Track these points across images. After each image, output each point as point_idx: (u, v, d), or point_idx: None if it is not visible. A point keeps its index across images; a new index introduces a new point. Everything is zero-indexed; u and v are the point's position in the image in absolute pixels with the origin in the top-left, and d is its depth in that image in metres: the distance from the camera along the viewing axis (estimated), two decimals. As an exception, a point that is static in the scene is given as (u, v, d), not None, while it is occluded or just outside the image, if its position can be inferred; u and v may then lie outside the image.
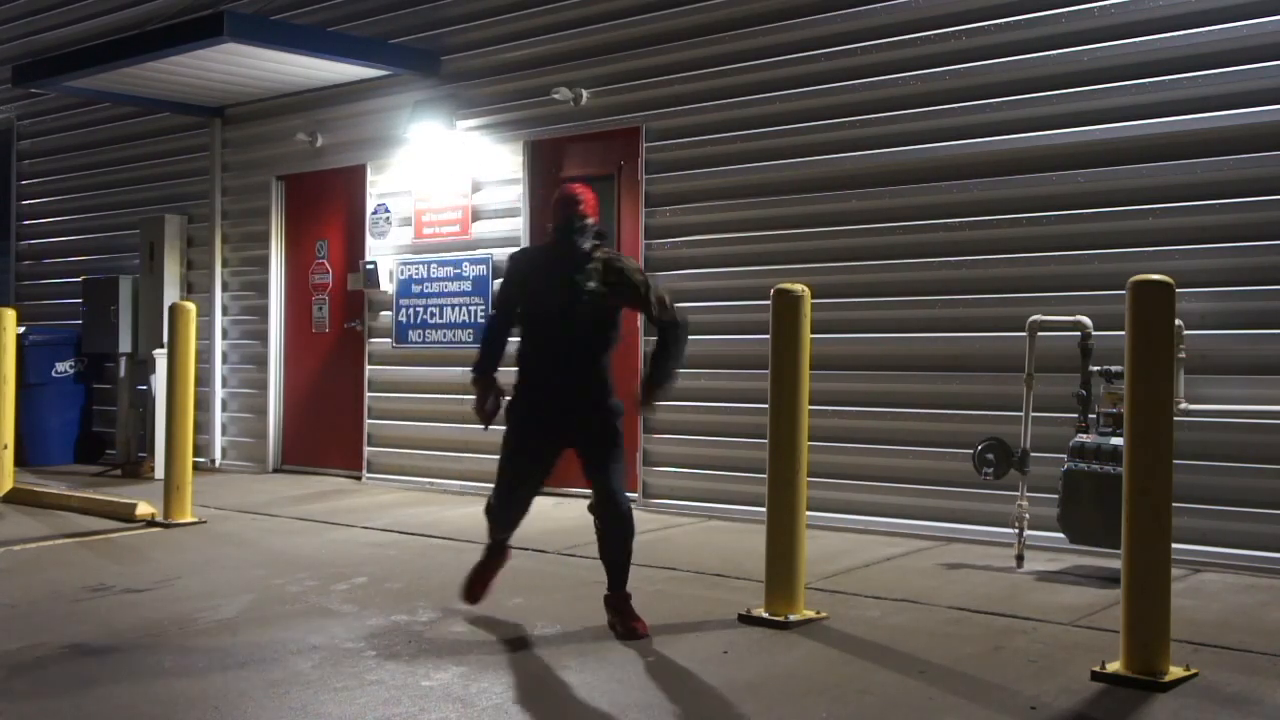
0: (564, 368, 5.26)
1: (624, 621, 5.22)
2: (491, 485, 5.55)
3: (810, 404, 5.49)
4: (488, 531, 5.68)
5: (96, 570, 6.73)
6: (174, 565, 6.86)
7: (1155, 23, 6.70)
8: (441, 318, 9.77)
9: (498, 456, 5.48)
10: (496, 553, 5.69)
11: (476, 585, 5.63)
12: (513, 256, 5.56)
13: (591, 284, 5.20)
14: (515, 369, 5.36)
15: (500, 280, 5.26)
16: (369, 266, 10.11)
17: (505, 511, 5.51)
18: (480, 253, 9.49)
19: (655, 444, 8.59)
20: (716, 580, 6.28)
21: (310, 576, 6.48)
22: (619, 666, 4.79)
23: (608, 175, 9.02)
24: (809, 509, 5.49)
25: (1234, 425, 6.41)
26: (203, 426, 10.89)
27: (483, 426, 5.43)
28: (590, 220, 5.29)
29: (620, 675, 4.68)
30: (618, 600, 5.31)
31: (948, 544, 7.10)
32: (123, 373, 11.42)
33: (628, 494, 5.37)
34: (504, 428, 5.42)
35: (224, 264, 11.42)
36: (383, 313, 10.18)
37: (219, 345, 11.39)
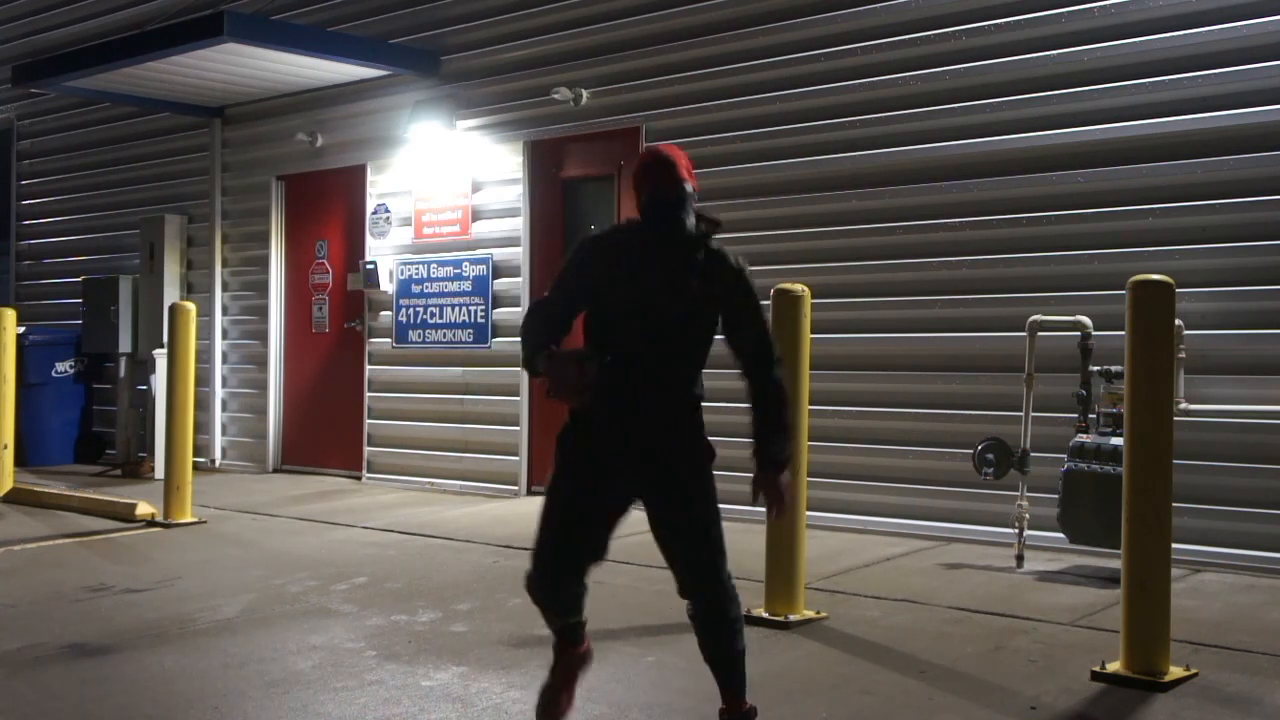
0: (649, 394, 3.87)
1: None
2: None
3: (810, 404, 5.50)
4: (543, 620, 4.10)
5: (96, 570, 6.73)
6: (174, 565, 6.86)
7: (1155, 23, 6.70)
8: (441, 318, 9.77)
9: (542, 488, 4.09)
10: (564, 647, 4.04)
11: (551, 709, 4.02)
12: (584, 242, 3.97)
13: (699, 283, 3.79)
14: None
15: (567, 269, 3.98)
16: (369, 266, 10.11)
17: (552, 584, 3.94)
18: (480, 253, 9.49)
19: (655, 444, 8.57)
20: (716, 580, 6.27)
21: (310, 576, 6.48)
22: (619, 666, 4.79)
23: (608, 175, 9.02)
24: (809, 509, 5.50)
25: (1234, 425, 6.41)
26: (203, 426, 10.89)
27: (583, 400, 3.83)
28: (691, 189, 3.82)
29: (620, 675, 4.68)
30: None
31: (948, 544, 7.10)
32: (123, 373, 11.42)
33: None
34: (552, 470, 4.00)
35: (224, 264, 11.42)
36: (383, 313, 10.18)
37: (219, 345, 11.39)
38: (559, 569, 3.92)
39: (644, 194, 3.83)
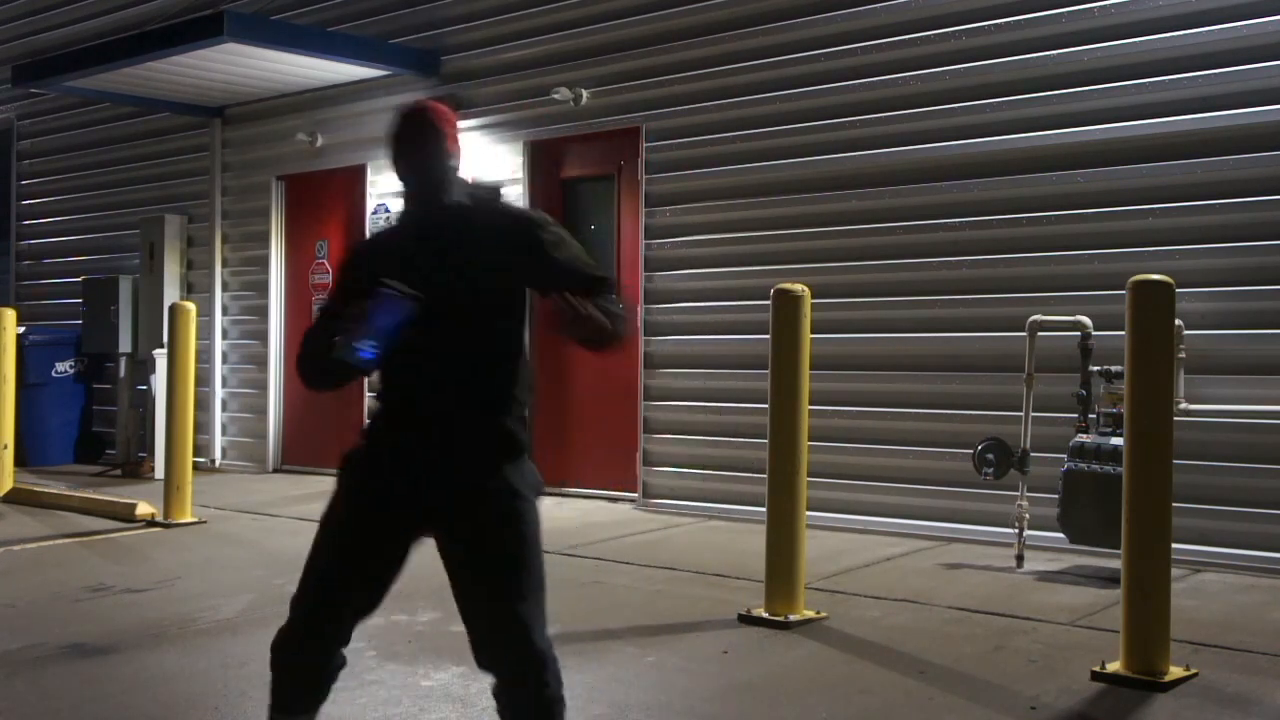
0: (433, 399, 3.10)
1: None
2: None
3: (810, 404, 5.49)
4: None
5: (96, 570, 6.73)
6: (174, 565, 6.86)
7: (1155, 23, 6.70)
8: (441, 318, 9.76)
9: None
10: None
11: None
12: (354, 245, 3.49)
13: (487, 253, 3.10)
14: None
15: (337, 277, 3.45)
16: (369, 266, 10.08)
17: (302, 647, 3.19)
18: (480, 253, 9.49)
19: (655, 444, 8.59)
20: (716, 580, 6.28)
21: (310, 576, 6.47)
22: (619, 666, 4.79)
23: (608, 175, 9.02)
24: (809, 509, 5.49)
25: (1234, 425, 6.41)
26: (203, 426, 10.89)
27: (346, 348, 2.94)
28: (455, 154, 3.19)
29: (620, 675, 4.68)
30: None
31: (948, 544, 7.10)
32: (123, 373, 11.42)
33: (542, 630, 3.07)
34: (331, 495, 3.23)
35: (224, 264, 11.42)
36: (383, 313, 10.16)
37: (219, 345, 11.39)
38: (322, 619, 3.14)
39: (400, 166, 3.18)
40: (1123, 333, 4.53)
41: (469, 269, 3.08)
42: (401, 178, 3.19)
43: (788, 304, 5.36)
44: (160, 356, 10.18)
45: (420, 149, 3.14)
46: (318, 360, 3.12)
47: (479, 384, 3.08)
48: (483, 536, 3.06)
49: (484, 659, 3.07)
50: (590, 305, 2.92)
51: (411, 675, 4.69)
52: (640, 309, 8.64)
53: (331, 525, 3.14)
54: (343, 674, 4.69)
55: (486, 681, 4.64)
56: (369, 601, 3.13)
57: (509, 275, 3.11)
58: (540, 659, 3.00)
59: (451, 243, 3.12)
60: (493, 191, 3.28)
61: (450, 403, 3.07)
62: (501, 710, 3.08)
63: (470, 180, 3.27)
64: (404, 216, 3.27)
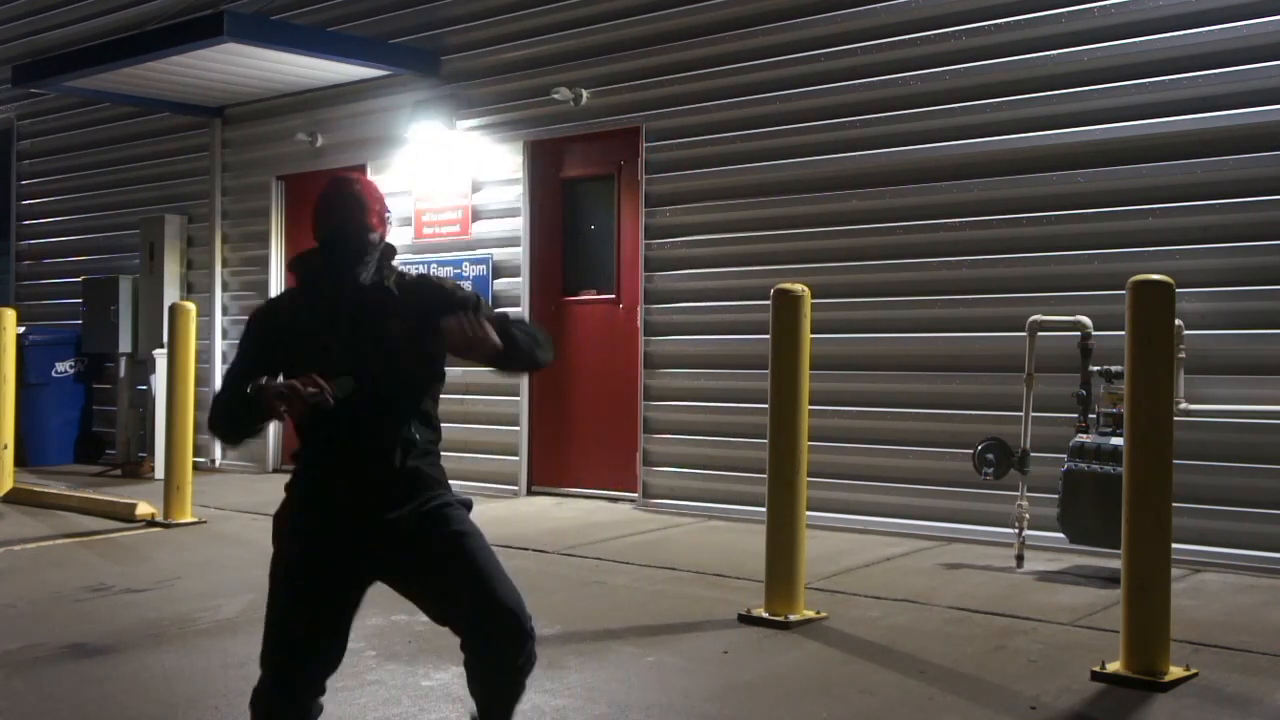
0: (373, 457, 3.25)
1: None
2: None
3: (810, 404, 5.49)
4: None
5: (96, 570, 6.73)
6: (174, 565, 6.86)
7: (1155, 23, 6.70)
8: (441, 318, 9.76)
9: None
10: None
11: None
12: (255, 314, 3.40)
13: (396, 320, 3.25)
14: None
15: (242, 344, 3.39)
16: (369, 266, 10.09)
17: (279, 706, 3.21)
18: (480, 253, 9.48)
19: (655, 444, 8.59)
20: (716, 580, 6.28)
21: (310, 576, 6.47)
22: (619, 666, 4.79)
23: (608, 175, 9.02)
24: (809, 509, 5.49)
25: (1234, 425, 6.41)
26: (203, 426, 10.88)
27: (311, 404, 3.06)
28: (377, 237, 3.31)
29: (620, 675, 4.68)
30: None
31: (948, 544, 7.10)
32: (123, 373, 11.42)
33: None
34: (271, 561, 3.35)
35: (224, 264, 11.43)
36: (383, 313, 10.17)
37: (219, 345, 11.39)
38: (296, 678, 3.20)
39: (321, 233, 3.28)
40: (1123, 333, 4.53)
41: (385, 339, 3.21)
42: (320, 240, 3.28)
43: (788, 304, 5.36)
44: (160, 356, 10.18)
45: (344, 218, 3.25)
46: (235, 417, 3.27)
47: (395, 439, 3.24)
48: (439, 541, 3.23)
49: (478, 639, 3.20)
50: (486, 326, 3.07)
51: (411, 675, 4.69)
52: (640, 309, 8.65)
53: (284, 586, 3.24)
54: (343, 674, 4.69)
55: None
56: (335, 654, 3.25)
57: (420, 338, 3.20)
58: (529, 635, 3.20)
59: (367, 314, 3.24)
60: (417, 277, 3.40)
61: (373, 457, 3.23)
62: (480, 669, 3.23)
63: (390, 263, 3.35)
64: (310, 286, 3.33)
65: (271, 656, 3.18)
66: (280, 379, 3.10)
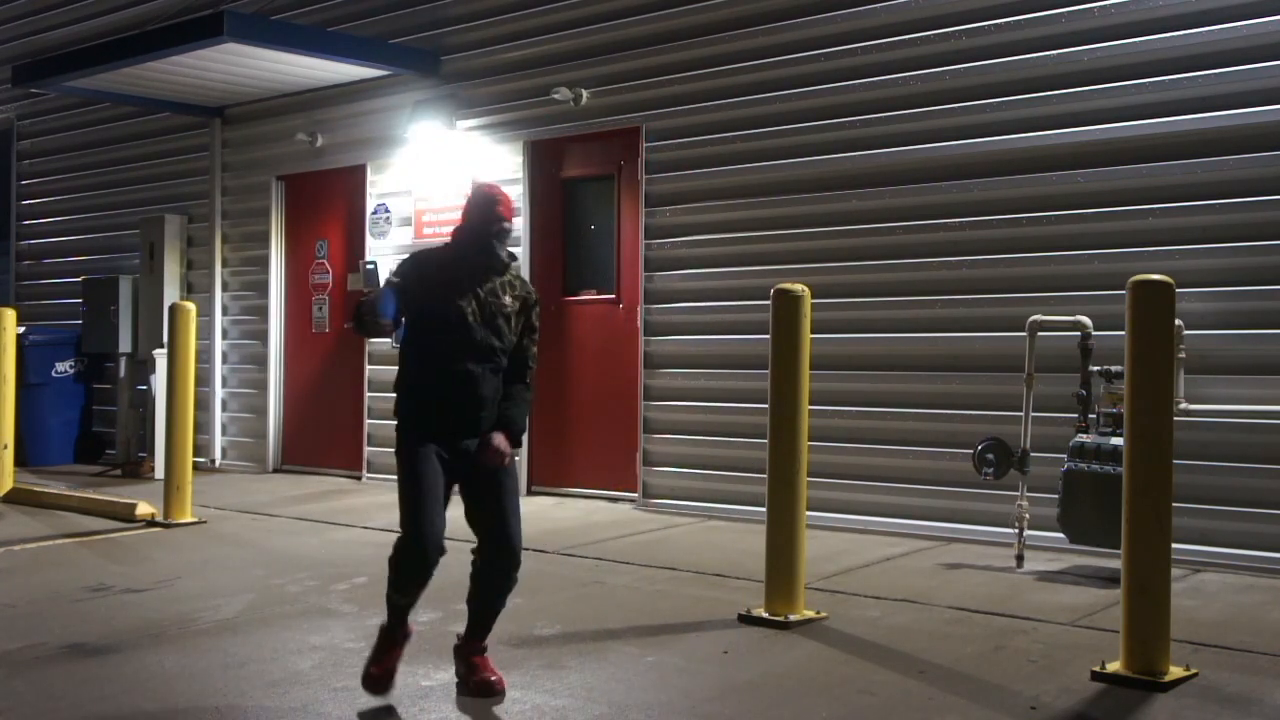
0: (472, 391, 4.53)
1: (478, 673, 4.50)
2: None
3: (810, 404, 5.49)
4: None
5: (96, 570, 6.73)
6: (174, 565, 6.86)
7: (1155, 23, 6.70)
8: (441, 318, 9.76)
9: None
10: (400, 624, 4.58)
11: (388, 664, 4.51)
12: (412, 256, 4.67)
13: (511, 299, 4.58)
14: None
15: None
16: (369, 266, 10.10)
17: (416, 548, 4.45)
18: (480, 253, 9.48)
19: (655, 444, 8.59)
20: (716, 580, 6.28)
21: (310, 576, 6.48)
22: (619, 666, 4.79)
23: (608, 175, 9.02)
24: (809, 509, 5.49)
25: (1234, 425, 6.41)
26: (203, 426, 10.89)
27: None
28: (509, 225, 4.63)
29: (620, 675, 4.68)
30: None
31: (948, 544, 7.10)
32: (123, 373, 11.42)
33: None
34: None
35: (224, 264, 11.43)
36: (383, 313, 10.16)
37: (219, 345, 11.39)
38: (428, 525, 4.42)
39: (471, 220, 4.61)
40: (1123, 333, 4.53)
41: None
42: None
43: (788, 304, 5.36)
44: (160, 356, 10.18)
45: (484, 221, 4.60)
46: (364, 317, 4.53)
47: (491, 389, 4.57)
48: (488, 476, 4.54)
49: (488, 553, 4.51)
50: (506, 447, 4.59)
51: (411, 675, 4.69)
52: (640, 309, 8.65)
53: (412, 466, 4.47)
54: (342, 674, 4.69)
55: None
56: (445, 499, 4.50)
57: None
58: (519, 564, 4.54)
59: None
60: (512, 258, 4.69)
61: (471, 398, 4.52)
62: (481, 582, 4.54)
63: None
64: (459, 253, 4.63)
65: (409, 516, 4.43)
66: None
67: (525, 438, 9.20)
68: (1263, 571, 6.24)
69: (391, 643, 4.48)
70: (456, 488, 4.55)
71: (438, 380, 4.46)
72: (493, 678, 4.46)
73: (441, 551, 4.37)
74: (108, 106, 11.96)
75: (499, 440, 4.50)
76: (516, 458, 4.73)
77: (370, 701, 4.39)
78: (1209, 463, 6.41)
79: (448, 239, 4.68)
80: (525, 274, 9.27)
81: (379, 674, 4.41)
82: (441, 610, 5.67)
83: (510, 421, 4.58)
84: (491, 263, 4.53)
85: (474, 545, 4.51)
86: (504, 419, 4.56)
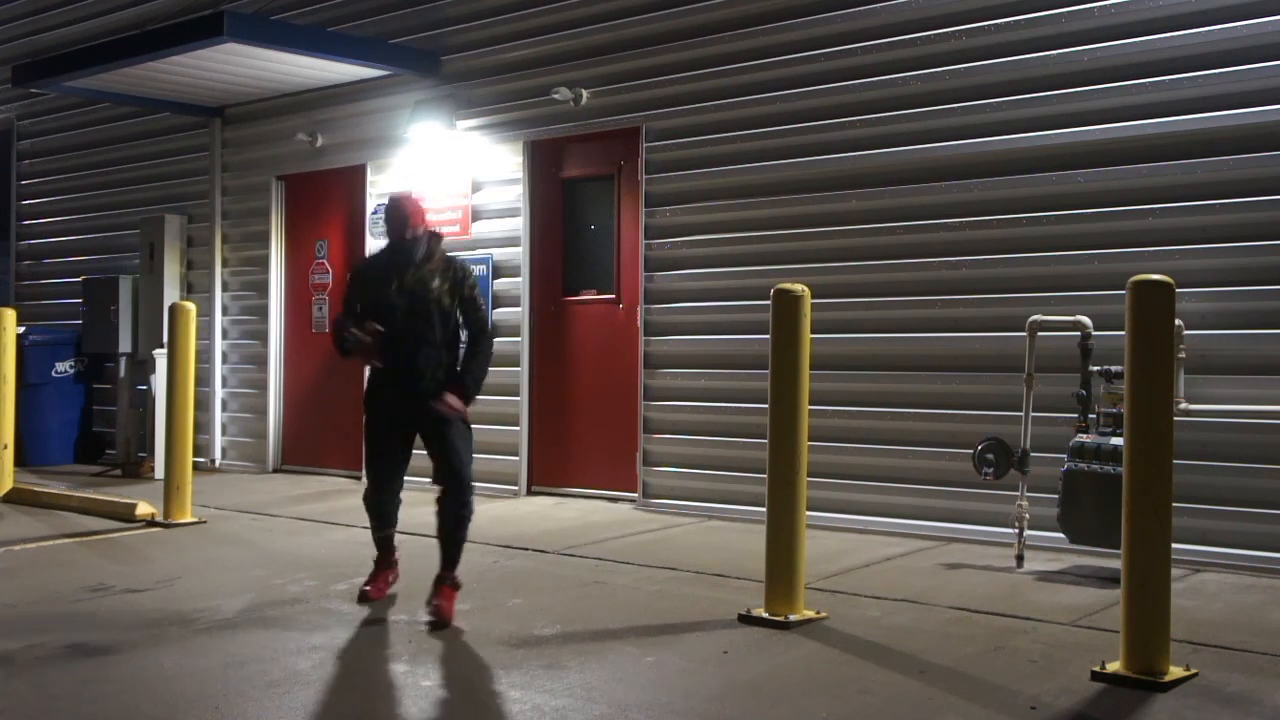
0: (417, 361, 5.76)
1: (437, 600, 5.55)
2: (492, 488, 5.68)
3: (810, 404, 5.49)
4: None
5: (96, 570, 6.73)
6: (174, 565, 6.86)
7: (1155, 23, 6.70)
8: (441, 318, 9.76)
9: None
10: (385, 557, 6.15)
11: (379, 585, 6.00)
12: (355, 266, 6.51)
13: (438, 284, 5.75)
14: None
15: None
16: (369, 266, 10.09)
17: (379, 496, 6.05)
18: (480, 253, 9.48)
19: (655, 444, 8.59)
20: (716, 580, 6.28)
21: (310, 576, 6.48)
22: (619, 666, 4.79)
23: (608, 175, 9.02)
24: (809, 509, 5.49)
25: (1234, 425, 6.41)
26: (203, 426, 10.89)
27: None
28: (420, 231, 5.82)
29: (620, 675, 4.68)
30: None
31: (948, 544, 7.10)
32: (123, 373, 11.42)
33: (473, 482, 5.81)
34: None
35: (224, 264, 11.43)
36: (383, 313, 10.17)
37: (219, 345, 11.39)
38: (386, 479, 5.92)
39: (388, 229, 5.80)
40: (1123, 333, 4.53)
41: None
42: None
43: (788, 304, 5.36)
44: (160, 356, 10.18)
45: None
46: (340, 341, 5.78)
47: (429, 361, 5.71)
48: (437, 423, 5.64)
49: (440, 483, 5.66)
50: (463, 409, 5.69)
51: (411, 675, 4.69)
52: (640, 309, 8.65)
53: (374, 429, 5.88)
54: (342, 674, 4.70)
55: (486, 682, 4.67)
56: (404, 460, 5.89)
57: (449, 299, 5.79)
58: (467, 489, 5.68)
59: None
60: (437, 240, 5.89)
61: (412, 371, 5.72)
62: (440, 512, 5.66)
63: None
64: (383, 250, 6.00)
65: (371, 469, 5.96)
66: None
67: (525, 437, 9.27)
68: (1263, 571, 6.24)
69: (384, 567, 5.96)
70: (421, 439, 5.73)
71: (392, 363, 5.65)
72: (443, 606, 5.43)
73: (393, 493, 5.91)
74: (108, 106, 11.96)
75: (449, 398, 5.59)
76: (471, 410, 5.70)
77: (370, 701, 4.39)
78: (1209, 463, 6.41)
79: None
80: (525, 274, 9.27)
81: (369, 591, 5.82)
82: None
83: (459, 380, 5.67)
84: (409, 259, 5.71)
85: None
86: (455, 379, 5.68)
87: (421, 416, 5.64)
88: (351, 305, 5.84)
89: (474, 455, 5.76)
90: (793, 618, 5.32)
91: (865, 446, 7.63)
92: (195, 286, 11.54)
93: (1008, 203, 7.16)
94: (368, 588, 5.83)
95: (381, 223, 5.75)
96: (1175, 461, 4.49)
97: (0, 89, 13.04)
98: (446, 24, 9.78)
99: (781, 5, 8.04)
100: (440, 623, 5.35)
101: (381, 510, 5.91)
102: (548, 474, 9.20)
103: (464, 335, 5.86)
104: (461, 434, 5.65)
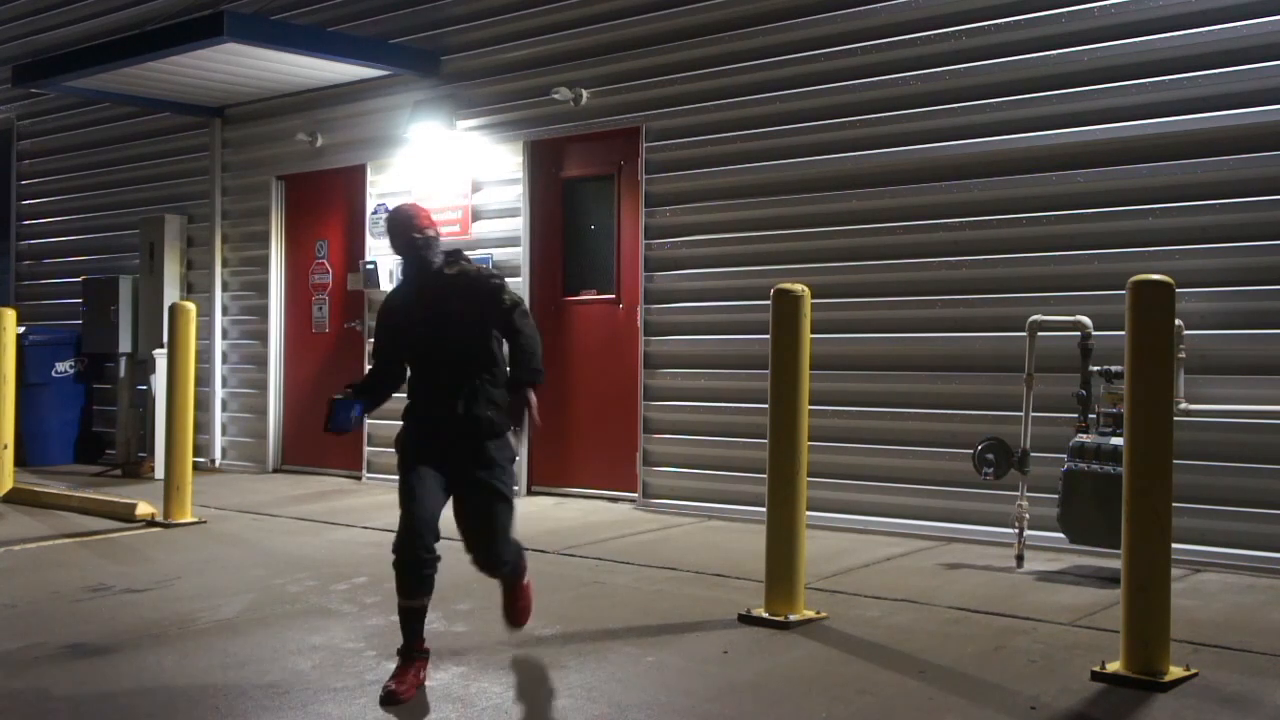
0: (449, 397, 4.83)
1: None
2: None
3: (810, 404, 5.49)
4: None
5: (96, 570, 6.73)
6: (174, 565, 6.86)
7: (1155, 23, 6.70)
8: (441, 318, 9.76)
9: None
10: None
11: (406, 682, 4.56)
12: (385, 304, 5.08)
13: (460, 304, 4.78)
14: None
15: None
16: (369, 266, 10.11)
17: (412, 546, 4.70)
18: (480, 253, 9.48)
19: (655, 444, 8.59)
20: (716, 580, 6.28)
21: (310, 576, 6.48)
22: (619, 666, 4.79)
23: (608, 175, 9.02)
24: (809, 509, 5.49)
25: (1234, 425, 6.41)
26: (203, 426, 10.89)
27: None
28: (432, 234, 4.85)
29: (620, 675, 4.68)
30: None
31: (948, 544, 7.10)
32: (123, 373, 11.42)
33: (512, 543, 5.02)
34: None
35: (224, 264, 11.43)
36: (383, 313, 10.16)
37: (219, 345, 11.39)
38: (421, 528, 4.64)
39: (397, 246, 4.85)
40: (1123, 333, 4.53)
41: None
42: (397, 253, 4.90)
43: (788, 304, 5.36)
44: (160, 356, 10.18)
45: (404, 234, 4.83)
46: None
47: (469, 389, 4.78)
48: (477, 480, 4.78)
49: (474, 559, 4.82)
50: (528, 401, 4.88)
51: (411, 675, 4.68)
52: (640, 309, 8.65)
53: (406, 472, 4.75)
54: (342, 674, 4.69)
55: (486, 681, 4.67)
56: (438, 510, 4.68)
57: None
58: (500, 570, 4.90)
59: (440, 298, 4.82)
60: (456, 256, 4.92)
61: (447, 403, 4.78)
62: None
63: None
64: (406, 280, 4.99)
65: (405, 516, 4.64)
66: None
67: (525, 437, 9.25)
68: (1263, 571, 6.24)
69: (414, 658, 4.56)
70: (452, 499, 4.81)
71: (421, 396, 4.85)
72: (518, 605, 5.06)
73: (429, 550, 4.58)
74: (108, 106, 11.95)
75: (528, 395, 4.83)
76: (517, 457, 5.14)
77: (370, 702, 4.39)
78: (1209, 463, 6.40)
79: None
80: (525, 274, 9.27)
81: (398, 692, 4.40)
82: (441, 610, 5.68)
83: (520, 379, 4.82)
84: (429, 276, 4.82)
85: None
86: (516, 380, 4.83)
87: (457, 461, 4.76)
88: (383, 355, 5.01)
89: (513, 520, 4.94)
90: (793, 618, 5.32)
91: (865, 446, 7.63)
92: (195, 286, 11.54)
93: (1008, 203, 7.16)
94: (395, 686, 4.42)
95: (386, 236, 4.95)
96: (1175, 461, 4.49)
97: (0, 89, 13.04)
98: (446, 24, 9.78)
99: (781, 5, 8.03)
100: (514, 623, 5.07)
101: (415, 569, 4.55)
102: (548, 474, 9.20)
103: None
104: (502, 504, 4.87)
